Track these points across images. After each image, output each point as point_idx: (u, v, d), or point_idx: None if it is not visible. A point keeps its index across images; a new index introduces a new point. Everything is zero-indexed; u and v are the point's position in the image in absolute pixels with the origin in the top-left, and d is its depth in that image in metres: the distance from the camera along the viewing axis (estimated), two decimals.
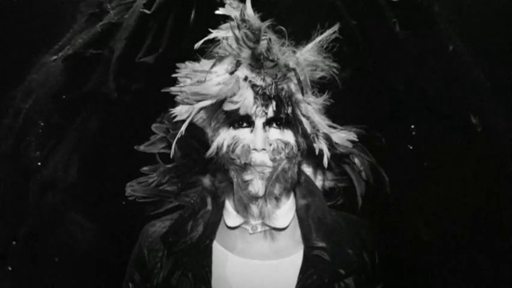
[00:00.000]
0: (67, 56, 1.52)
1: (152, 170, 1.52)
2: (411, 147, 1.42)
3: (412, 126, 1.43)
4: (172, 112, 1.34)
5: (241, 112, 1.27)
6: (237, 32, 1.26)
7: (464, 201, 1.44)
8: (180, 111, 1.33)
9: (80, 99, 1.56)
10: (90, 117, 1.58)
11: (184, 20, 1.49)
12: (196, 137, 1.42)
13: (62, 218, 1.59)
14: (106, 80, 1.52)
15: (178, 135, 1.31)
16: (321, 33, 1.32)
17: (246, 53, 1.28)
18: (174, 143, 1.34)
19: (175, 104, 1.35)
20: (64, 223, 1.59)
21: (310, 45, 1.32)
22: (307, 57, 1.31)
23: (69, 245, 1.59)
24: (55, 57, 1.54)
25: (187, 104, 1.31)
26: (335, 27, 1.32)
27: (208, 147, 1.36)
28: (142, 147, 1.52)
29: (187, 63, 1.35)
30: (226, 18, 1.31)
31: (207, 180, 1.48)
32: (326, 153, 1.32)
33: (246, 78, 1.28)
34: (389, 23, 1.41)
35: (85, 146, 1.60)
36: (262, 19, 1.28)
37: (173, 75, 1.35)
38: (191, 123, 1.32)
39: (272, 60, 1.26)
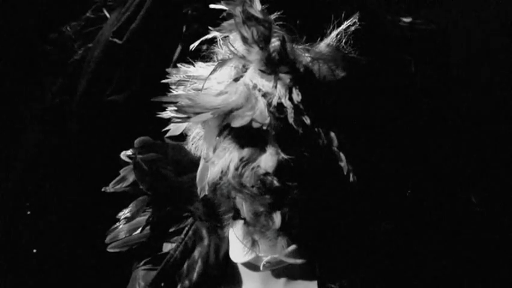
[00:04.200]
0: (37, 117, 1.24)
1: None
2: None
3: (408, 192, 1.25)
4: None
5: (254, 127, 1.04)
6: (243, 29, 1.03)
7: None
8: (173, 127, 1.12)
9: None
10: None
11: (163, 52, 1.22)
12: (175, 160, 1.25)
13: None
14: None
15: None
16: (338, 26, 1.12)
17: (254, 55, 1.04)
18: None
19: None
20: None
21: (326, 41, 1.11)
22: (324, 54, 1.10)
23: None
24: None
25: (181, 117, 1.06)
26: (355, 17, 1.11)
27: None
28: (111, 187, 1.27)
29: (179, 66, 1.10)
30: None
31: (199, 209, 1.24)
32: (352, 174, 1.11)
33: (255, 86, 1.04)
34: (404, 60, 1.21)
35: None
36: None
37: (164, 81, 1.10)
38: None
39: (287, 63, 1.03)
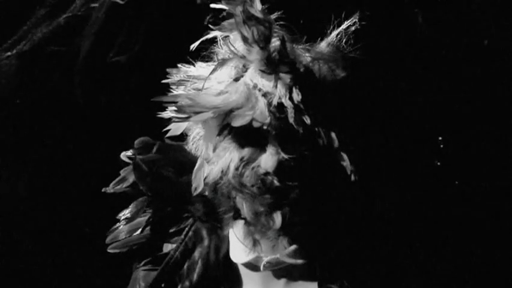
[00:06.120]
0: (22, 53, 1.23)
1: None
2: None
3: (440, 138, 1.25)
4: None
5: (254, 127, 1.03)
6: (243, 29, 1.03)
7: None
8: (174, 127, 1.12)
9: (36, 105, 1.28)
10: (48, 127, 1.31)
11: (165, 12, 1.22)
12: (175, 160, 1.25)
13: None
14: (69, 82, 1.24)
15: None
16: (338, 26, 1.12)
17: (255, 55, 1.04)
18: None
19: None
20: None
21: (326, 41, 1.11)
22: (324, 54, 1.10)
23: None
24: (8, 53, 1.24)
25: (181, 117, 1.06)
26: (355, 17, 1.11)
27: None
28: (111, 188, 1.27)
29: (179, 66, 1.10)
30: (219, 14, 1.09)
31: (199, 210, 1.24)
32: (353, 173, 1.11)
33: (255, 86, 1.04)
34: (410, 13, 1.21)
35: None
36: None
37: (164, 81, 1.10)
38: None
39: (287, 63, 1.04)
